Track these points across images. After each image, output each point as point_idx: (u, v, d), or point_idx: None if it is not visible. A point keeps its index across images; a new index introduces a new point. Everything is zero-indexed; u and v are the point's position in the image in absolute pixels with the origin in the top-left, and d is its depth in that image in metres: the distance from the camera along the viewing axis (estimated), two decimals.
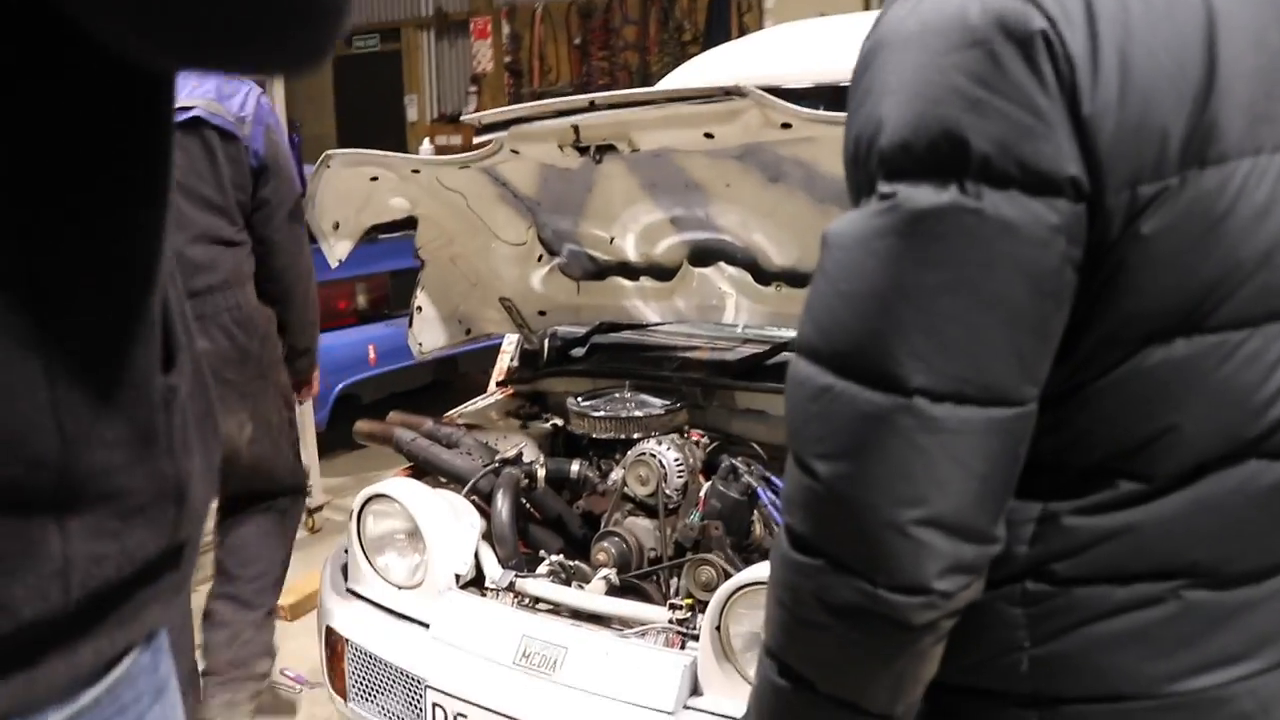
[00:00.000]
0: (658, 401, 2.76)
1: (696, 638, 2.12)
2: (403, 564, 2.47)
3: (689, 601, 2.19)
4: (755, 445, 2.64)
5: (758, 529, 2.41)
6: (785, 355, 2.89)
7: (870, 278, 0.82)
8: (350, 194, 2.61)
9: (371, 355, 5.23)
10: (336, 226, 2.69)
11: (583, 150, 2.31)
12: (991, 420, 0.81)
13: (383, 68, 10.22)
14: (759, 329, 2.87)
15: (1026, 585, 0.90)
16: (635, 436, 2.63)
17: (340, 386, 5.09)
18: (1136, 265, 0.81)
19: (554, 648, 2.14)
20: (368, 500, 2.48)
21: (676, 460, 2.47)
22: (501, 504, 2.49)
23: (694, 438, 2.60)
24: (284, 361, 2.86)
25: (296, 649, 3.51)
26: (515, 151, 2.41)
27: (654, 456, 2.46)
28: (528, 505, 2.66)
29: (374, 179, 2.59)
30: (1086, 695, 0.90)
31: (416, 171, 2.60)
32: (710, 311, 2.82)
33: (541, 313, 3.06)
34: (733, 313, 2.77)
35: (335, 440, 5.01)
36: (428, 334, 3.07)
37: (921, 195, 0.80)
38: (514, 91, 9.71)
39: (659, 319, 2.91)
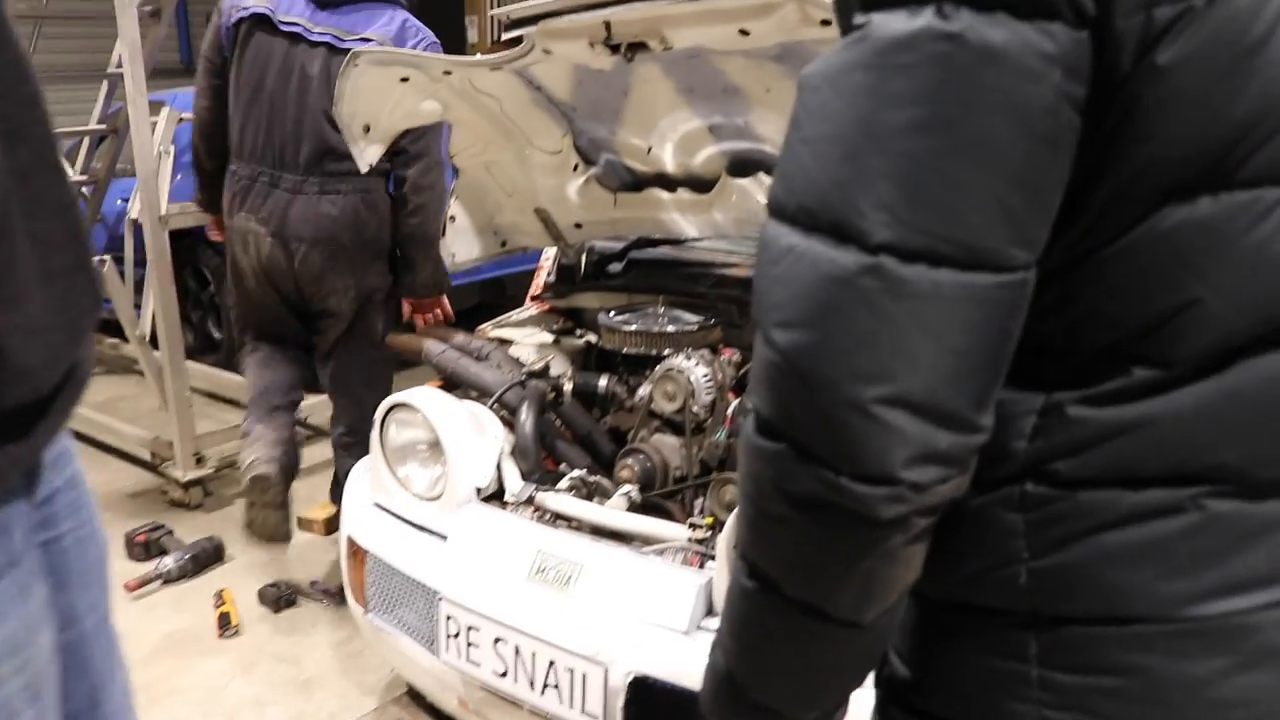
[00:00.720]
0: (691, 317, 2.67)
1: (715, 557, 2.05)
2: (424, 475, 2.42)
3: (709, 521, 2.11)
4: None
5: None
6: None
7: (835, 119, 0.71)
8: (380, 95, 2.53)
9: None
10: (367, 130, 2.61)
11: (614, 48, 2.20)
12: (971, 286, 0.69)
13: None
14: None
15: (1026, 487, 0.80)
16: (665, 352, 2.55)
17: None
18: (1153, 105, 0.69)
19: (569, 564, 2.08)
20: (390, 409, 2.43)
21: (705, 377, 2.38)
22: (525, 417, 2.43)
23: (725, 355, 2.50)
24: (395, 276, 3.19)
25: (327, 562, 3.51)
26: (547, 51, 2.30)
27: (681, 372, 2.38)
28: (556, 420, 2.60)
29: (404, 80, 2.50)
30: (1091, 616, 0.80)
31: (448, 73, 2.50)
32: (749, 225, 2.71)
33: (577, 225, 2.97)
34: None
35: None
36: (462, 245, 2.99)
37: (894, 21, 0.69)
38: None
39: (696, 233, 2.81)
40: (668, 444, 2.41)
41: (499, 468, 2.39)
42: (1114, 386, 0.76)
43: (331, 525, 3.72)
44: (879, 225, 0.68)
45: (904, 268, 0.68)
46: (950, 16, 0.67)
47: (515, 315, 3.09)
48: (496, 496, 2.39)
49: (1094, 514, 0.78)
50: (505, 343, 2.93)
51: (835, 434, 0.71)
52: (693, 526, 2.11)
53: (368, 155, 2.65)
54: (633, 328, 2.61)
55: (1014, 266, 0.71)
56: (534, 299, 3.15)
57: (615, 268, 3.11)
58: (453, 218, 2.93)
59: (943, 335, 0.70)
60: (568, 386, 2.57)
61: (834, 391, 0.70)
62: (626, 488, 2.27)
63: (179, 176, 4.11)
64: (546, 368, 2.59)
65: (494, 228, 3.03)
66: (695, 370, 2.37)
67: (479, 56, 2.48)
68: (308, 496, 4.00)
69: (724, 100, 2.43)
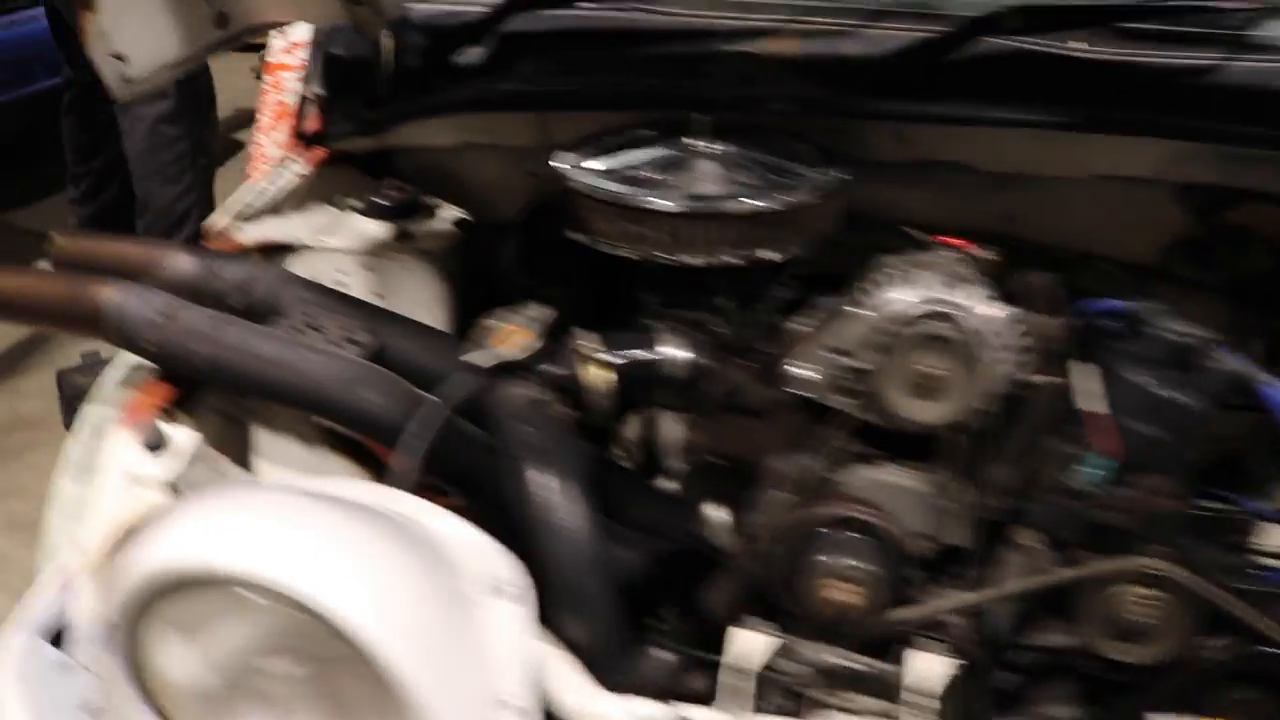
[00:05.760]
0: (801, 168, 1.20)
1: None
2: None
3: None
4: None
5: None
6: (992, 44, 1.37)
7: None
8: None
9: None
10: None
11: None
12: None
13: None
14: None
15: None
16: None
17: None
18: None
19: None
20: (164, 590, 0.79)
21: (1004, 326, 0.97)
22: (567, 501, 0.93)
23: (973, 253, 1.08)
24: None
25: None
26: None
27: (948, 318, 0.96)
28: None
29: None
30: None
31: None
32: None
33: None
34: None
35: None
36: (131, 33, 1.22)
37: None
38: None
39: None
40: (895, 486, 1.02)
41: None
42: None
43: None
44: None
45: None
46: None
47: (267, 184, 1.41)
48: None
49: None
50: (273, 252, 1.30)
51: None
52: None
53: None
54: (675, 204, 1.11)
55: None
56: (302, 139, 1.48)
57: (473, 56, 1.48)
58: None
59: None
60: (605, 378, 1.06)
61: None
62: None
63: None
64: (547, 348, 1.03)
65: None
66: (985, 312, 0.96)
67: None
68: None
69: None
